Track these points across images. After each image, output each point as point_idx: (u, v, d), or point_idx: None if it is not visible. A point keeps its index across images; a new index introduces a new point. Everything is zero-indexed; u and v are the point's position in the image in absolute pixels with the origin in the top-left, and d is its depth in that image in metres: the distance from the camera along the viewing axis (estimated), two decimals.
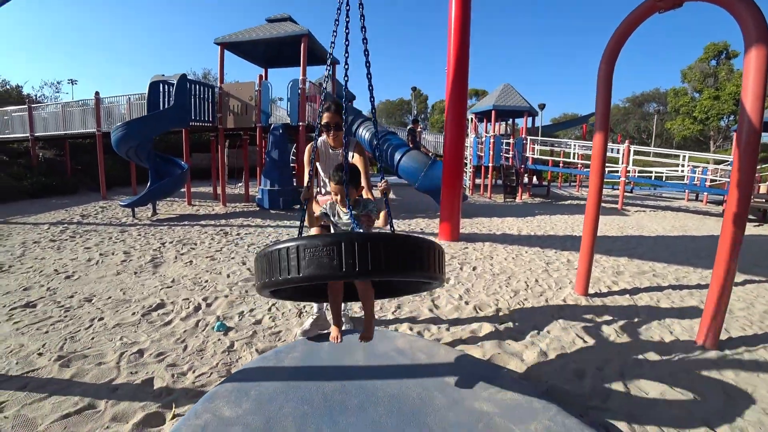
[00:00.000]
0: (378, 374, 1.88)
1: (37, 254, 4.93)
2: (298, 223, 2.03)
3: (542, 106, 22.72)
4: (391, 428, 1.48)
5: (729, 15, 2.56)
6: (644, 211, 11.40)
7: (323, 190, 2.68)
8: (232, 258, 4.82)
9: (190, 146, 9.99)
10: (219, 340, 2.65)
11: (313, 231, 2.23)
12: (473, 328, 2.89)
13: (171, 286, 3.74)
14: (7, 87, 22.88)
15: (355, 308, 3.16)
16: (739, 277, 4.28)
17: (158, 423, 1.83)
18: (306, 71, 9.08)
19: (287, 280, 1.34)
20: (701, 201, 14.53)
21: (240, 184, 13.79)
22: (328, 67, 2.09)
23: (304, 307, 3.23)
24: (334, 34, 1.97)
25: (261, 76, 9.69)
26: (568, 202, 13.37)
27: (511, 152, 13.83)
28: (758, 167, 9.16)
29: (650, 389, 2.14)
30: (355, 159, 2.46)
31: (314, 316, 2.79)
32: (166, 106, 8.76)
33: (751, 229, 8.33)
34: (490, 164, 14.03)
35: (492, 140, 13.84)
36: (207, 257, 4.83)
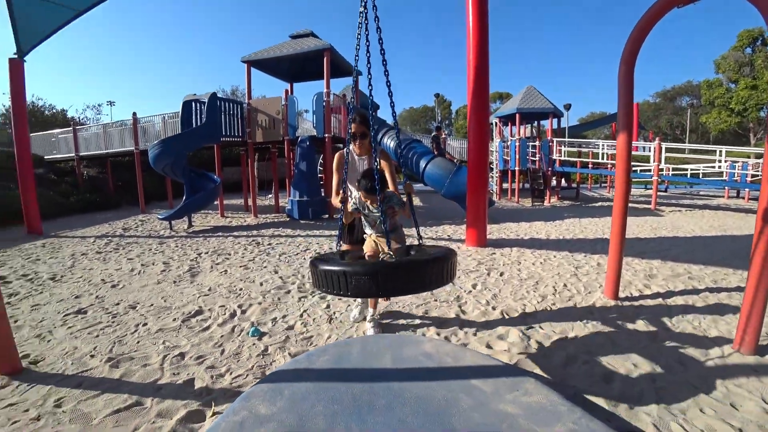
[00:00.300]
0: (405, 377, 1.94)
1: (85, 265, 5.28)
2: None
3: (568, 107, 22.23)
4: (416, 427, 1.54)
5: None
6: (680, 210, 10.96)
7: (351, 194, 2.84)
8: (265, 267, 5.01)
9: (222, 160, 10.38)
10: (254, 344, 2.79)
11: (345, 246, 2.75)
12: (500, 333, 2.91)
13: (208, 294, 3.94)
14: (54, 111, 24.62)
15: (380, 310, 3.24)
16: None
17: (199, 419, 1.97)
18: (330, 84, 9.30)
19: (337, 294, 1.86)
20: (743, 198, 13.81)
21: (270, 196, 14.18)
22: (354, 78, 2.35)
23: (334, 313, 3.35)
24: (357, 47, 2.17)
25: (287, 91, 9.99)
26: (599, 204, 13.02)
27: (537, 155, 13.63)
28: None
29: (682, 395, 2.10)
30: (381, 165, 2.60)
31: (359, 306, 3.16)
32: (198, 124, 9.18)
33: None
34: (517, 168, 13.86)
35: (517, 144, 13.69)
36: (241, 266, 5.04)
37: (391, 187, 2.49)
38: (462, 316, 3.25)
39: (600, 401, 2.05)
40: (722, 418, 1.91)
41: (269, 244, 6.50)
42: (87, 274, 4.81)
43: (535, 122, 18.35)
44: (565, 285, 4.08)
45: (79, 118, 26.55)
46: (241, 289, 4.09)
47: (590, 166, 14.97)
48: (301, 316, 3.32)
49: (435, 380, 1.90)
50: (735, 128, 35.68)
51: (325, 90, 9.19)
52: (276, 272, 4.74)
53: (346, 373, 1.96)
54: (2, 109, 22.58)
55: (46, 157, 13.57)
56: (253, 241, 6.84)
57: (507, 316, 3.25)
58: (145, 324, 3.20)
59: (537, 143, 13.94)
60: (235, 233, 7.72)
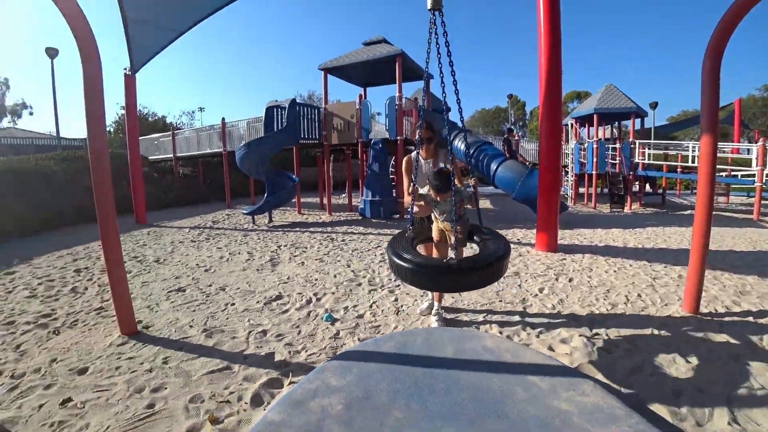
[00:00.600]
0: (464, 366, 2.07)
1: (182, 251, 6.06)
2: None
3: (654, 105, 20.40)
4: (471, 411, 1.67)
5: None
6: None
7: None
8: (338, 261, 5.37)
9: (300, 161, 11.10)
10: (327, 328, 3.09)
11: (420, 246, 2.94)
12: (563, 337, 2.89)
13: (287, 282, 4.36)
14: (156, 117, 28.26)
15: (445, 305, 3.37)
16: None
17: (278, 386, 2.29)
18: (401, 88, 9.53)
19: (403, 281, 2.29)
20: None
21: (344, 195, 14.80)
22: (425, 80, 2.57)
23: (401, 306, 3.56)
24: (428, 51, 2.40)
25: (360, 96, 10.38)
26: (688, 212, 11.80)
27: (617, 158, 12.71)
28: None
29: (763, 421, 1.96)
30: (449, 166, 2.78)
31: (429, 301, 3.32)
32: (279, 128, 9.92)
33: None
34: (594, 171, 13.03)
35: (595, 146, 12.88)
36: (316, 259, 5.46)
37: (458, 183, 2.65)
38: (526, 318, 3.27)
39: (664, 413, 1.99)
40: None
41: (342, 240, 6.88)
42: (184, 259, 5.53)
43: (616, 123, 17.07)
44: (639, 295, 3.87)
45: (176, 123, 29.99)
46: (316, 279, 4.46)
47: (679, 170, 13.58)
48: (371, 306, 3.58)
49: (493, 372, 2.00)
50: None
51: (397, 94, 9.45)
52: (348, 266, 5.06)
53: (410, 358, 2.15)
54: (116, 116, 26.20)
55: (150, 158, 15.50)
56: (327, 236, 7.28)
57: (572, 321, 3.20)
58: (233, 304, 3.66)
59: (617, 145, 12.99)
60: (311, 229, 8.24)
